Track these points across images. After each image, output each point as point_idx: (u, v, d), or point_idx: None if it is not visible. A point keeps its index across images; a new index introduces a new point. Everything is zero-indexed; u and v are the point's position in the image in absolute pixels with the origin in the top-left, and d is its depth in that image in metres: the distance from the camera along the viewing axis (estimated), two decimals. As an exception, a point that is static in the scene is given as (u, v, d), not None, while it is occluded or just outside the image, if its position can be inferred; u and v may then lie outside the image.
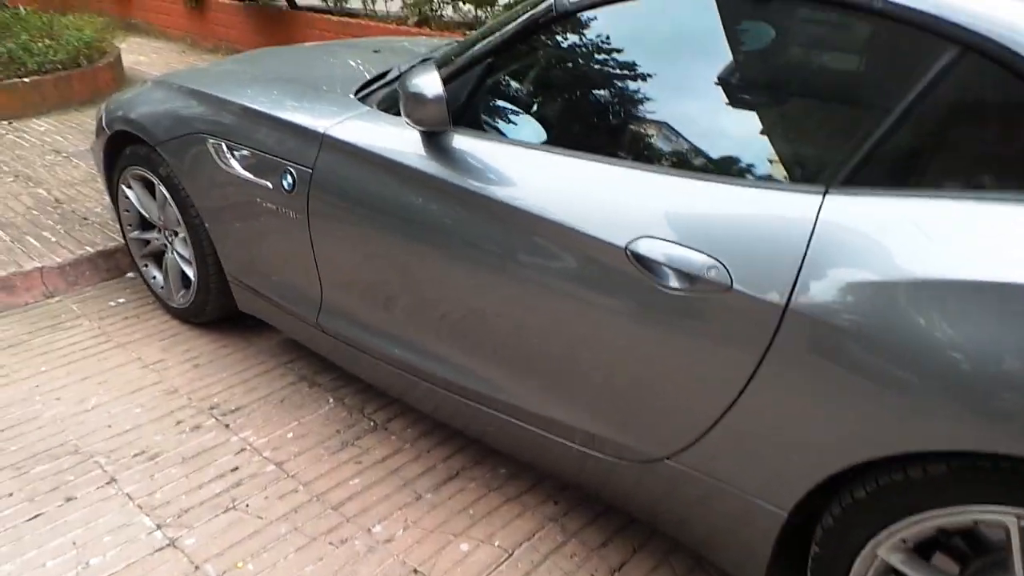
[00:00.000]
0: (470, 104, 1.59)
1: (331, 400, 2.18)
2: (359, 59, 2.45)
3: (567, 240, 1.37)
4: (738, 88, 1.33)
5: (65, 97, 4.79)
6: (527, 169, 1.46)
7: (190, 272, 2.38)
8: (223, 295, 2.33)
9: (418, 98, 1.45)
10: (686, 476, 1.36)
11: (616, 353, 1.37)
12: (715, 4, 1.34)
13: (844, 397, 1.11)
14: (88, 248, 2.86)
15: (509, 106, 1.58)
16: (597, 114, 1.51)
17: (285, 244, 1.95)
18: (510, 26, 1.54)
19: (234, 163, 1.98)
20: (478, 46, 1.59)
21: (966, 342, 1.01)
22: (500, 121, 1.58)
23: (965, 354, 1.00)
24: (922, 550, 1.16)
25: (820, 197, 1.15)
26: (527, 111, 1.56)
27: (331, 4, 6.37)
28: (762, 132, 1.29)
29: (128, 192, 2.48)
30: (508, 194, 1.44)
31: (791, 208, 1.17)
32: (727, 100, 1.34)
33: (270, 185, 1.89)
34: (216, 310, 2.42)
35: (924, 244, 1.06)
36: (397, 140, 1.63)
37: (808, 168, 1.23)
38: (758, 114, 1.31)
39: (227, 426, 2.04)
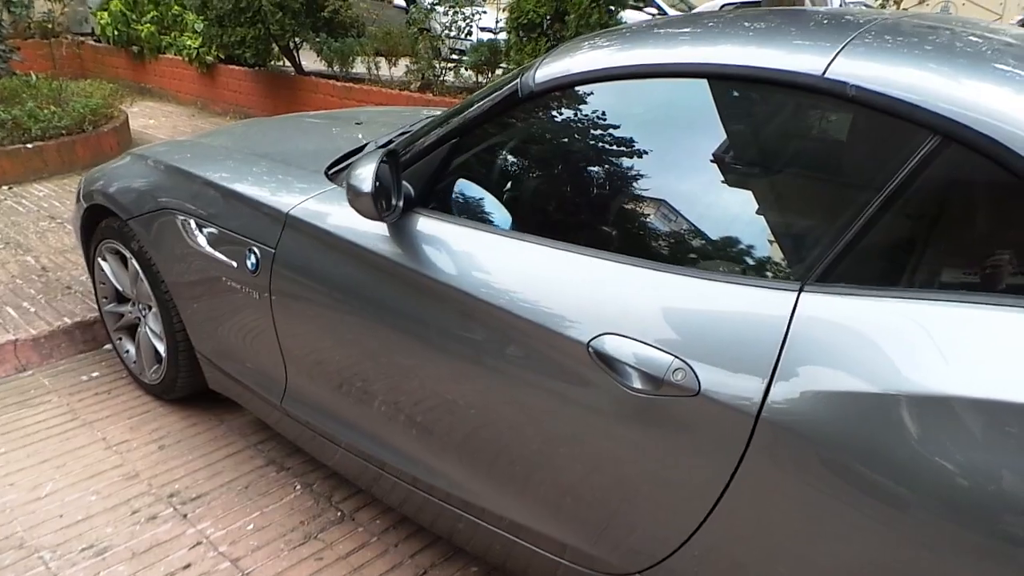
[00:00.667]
0: (434, 186, 1.52)
1: (298, 486, 2.06)
2: (340, 132, 2.42)
3: (529, 334, 1.27)
4: (710, 176, 1.25)
5: (68, 162, 4.83)
6: (490, 255, 1.38)
7: (161, 348, 2.31)
8: (193, 372, 2.25)
9: (354, 190, 1.39)
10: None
11: (581, 458, 1.26)
12: (687, 88, 1.27)
13: (825, 516, 0.99)
14: (66, 319, 2.79)
15: (474, 189, 1.51)
16: (562, 199, 1.43)
17: (249, 325, 1.87)
18: (476, 106, 1.48)
19: (201, 240, 1.92)
20: (444, 126, 1.53)
21: (960, 461, 0.89)
22: (465, 205, 1.51)
23: (960, 474, 0.89)
24: None
25: (795, 294, 1.06)
26: (493, 195, 1.49)
27: (337, 70, 6.48)
28: (735, 223, 1.20)
29: (103, 264, 2.43)
30: (469, 282, 1.36)
31: (764, 305, 1.08)
32: (698, 188, 1.26)
33: (235, 264, 1.83)
34: (186, 387, 2.33)
35: (906, 351, 0.96)
36: (357, 222, 1.56)
37: (783, 262, 1.14)
38: (730, 204, 1.22)
39: (185, 516, 1.93)
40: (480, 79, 5.37)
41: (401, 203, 1.47)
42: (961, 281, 1.00)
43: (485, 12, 5.55)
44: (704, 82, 1.23)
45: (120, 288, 2.41)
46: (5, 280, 3.14)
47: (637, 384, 1.14)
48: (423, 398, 1.50)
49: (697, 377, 1.09)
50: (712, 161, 1.25)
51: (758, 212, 1.21)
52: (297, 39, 6.52)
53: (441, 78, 5.75)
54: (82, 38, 9.30)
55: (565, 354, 1.23)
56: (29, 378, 2.58)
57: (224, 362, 2.06)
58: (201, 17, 6.80)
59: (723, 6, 8.69)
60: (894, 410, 0.94)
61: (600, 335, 1.18)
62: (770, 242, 1.17)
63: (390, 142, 2.02)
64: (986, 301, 0.94)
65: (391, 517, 1.94)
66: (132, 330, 2.49)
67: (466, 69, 5.41)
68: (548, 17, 4.31)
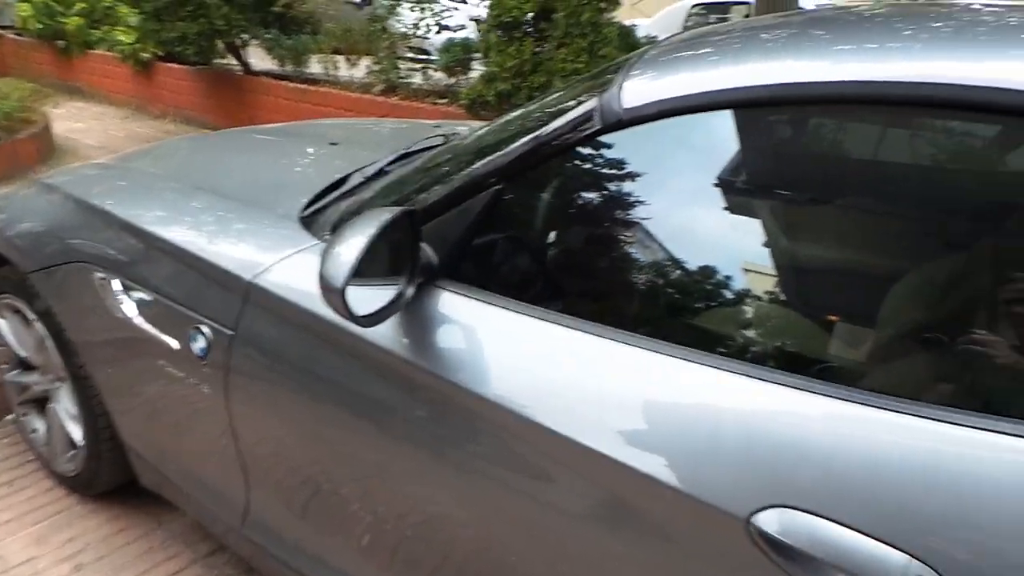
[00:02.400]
0: (459, 250, 1.06)
1: (261, 622, 1.58)
2: (311, 154, 1.93)
3: (635, 492, 0.83)
4: (924, 252, 0.83)
5: (-24, 174, 4.19)
6: (544, 354, 0.94)
7: (77, 433, 1.78)
8: (119, 464, 1.73)
9: (323, 281, 0.91)
10: None
11: None
12: (880, 121, 0.85)
13: None
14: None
15: (515, 255, 1.07)
16: (676, 282, 0.98)
17: (197, 425, 1.39)
18: (531, 137, 1.03)
19: (127, 308, 1.42)
20: (479, 164, 1.07)
21: None
22: (500, 276, 1.06)
23: None
24: None
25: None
26: (542, 268, 1.05)
27: (289, 70, 5.92)
28: (967, 320, 0.78)
29: (1, 323, 1.89)
30: (511, 391, 0.91)
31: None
32: (905, 266, 0.84)
33: (176, 345, 1.33)
34: (111, 480, 1.82)
35: None
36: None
37: None
38: (979, 307, 0.80)
39: None
40: (453, 81, 4.90)
41: (412, 288, 1.01)
42: None
43: (457, 9, 5.07)
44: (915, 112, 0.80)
45: (23, 354, 1.87)
46: None
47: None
48: (441, 537, 1.05)
49: (951, 595, 0.66)
50: (925, 233, 0.82)
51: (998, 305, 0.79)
52: (245, 35, 5.94)
53: (407, 79, 5.26)
54: (1, 31, 8.47)
55: (703, 532, 0.79)
56: (-95, 466, 2.02)
57: (162, 463, 1.57)
58: (136, 10, 6.14)
59: (694, 6, 8.39)
60: None
61: (763, 508, 0.75)
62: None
63: (382, 172, 1.55)
64: None
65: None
66: (42, 403, 1.95)
67: (436, 70, 4.93)
68: (533, 15, 3.87)
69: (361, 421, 1.11)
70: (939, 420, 0.71)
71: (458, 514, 1.03)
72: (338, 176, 1.55)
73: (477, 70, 4.58)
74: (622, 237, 1.00)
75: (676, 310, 0.94)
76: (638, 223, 0.97)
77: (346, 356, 1.10)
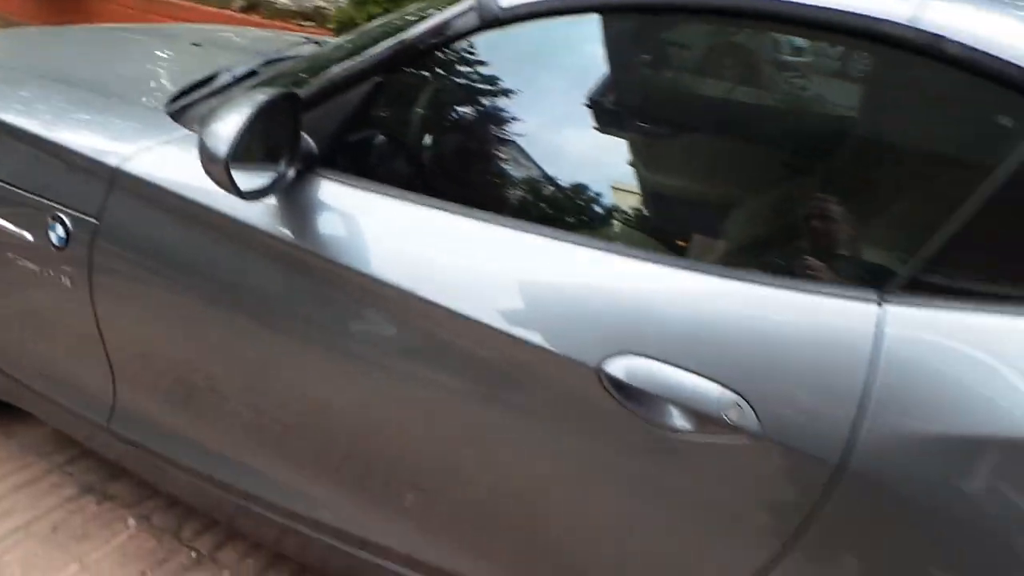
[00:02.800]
0: (343, 140, 1.11)
1: (131, 521, 1.58)
2: (173, 54, 1.85)
3: (503, 352, 0.95)
4: (763, 150, 0.99)
5: None
6: (439, 240, 1.02)
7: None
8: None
9: (205, 150, 0.94)
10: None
11: (563, 515, 0.98)
12: (723, 33, 0.98)
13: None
14: None
15: (403, 147, 1.13)
16: (541, 168, 1.09)
17: (55, 320, 1.35)
18: (403, 35, 1.08)
19: (-30, 198, 1.33)
20: (351, 62, 1.11)
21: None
22: (390, 168, 1.12)
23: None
24: None
25: (877, 306, 0.83)
26: (434, 156, 1.12)
27: (136, -24, 5.40)
28: (789, 209, 0.95)
29: None
30: (408, 278, 0.99)
31: (839, 322, 0.84)
32: (746, 162, 0.99)
33: (29, 237, 1.28)
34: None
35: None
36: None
37: (859, 265, 0.91)
38: (786, 185, 0.97)
39: (-37, 583, 1.39)
40: (322, 2, 4.70)
41: (292, 171, 1.05)
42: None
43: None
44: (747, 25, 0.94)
45: None
46: None
47: (671, 421, 0.87)
48: (323, 418, 1.13)
49: (756, 414, 0.83)
50: (764, 128, 0.98)
51: (826, 199, 0.96)
52: (81, -67, 5.32)
53: (271, -1, 4.97)
54: None
55: (561, 378, 0.92)
56: None
57: (12, 367, 1.50)
58: None
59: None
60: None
61: (612, 355, 0.89)
62: (846, 241, 0.93)
63: (252, 73, 1.53)
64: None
65: (262, 556, 1.54)
66: None
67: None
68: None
69: (238, 309, 1.15)
70: (751, 282, 0.87)
71: (343, 396, 1.10)
72: (206, 74, 1.51)
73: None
74: (491, 129, 1.09)
75: (538, 194, 1.05)
76: (507, 116, 1.07)
77: (222, 242, 1.12)
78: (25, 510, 1.57)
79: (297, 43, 1.98)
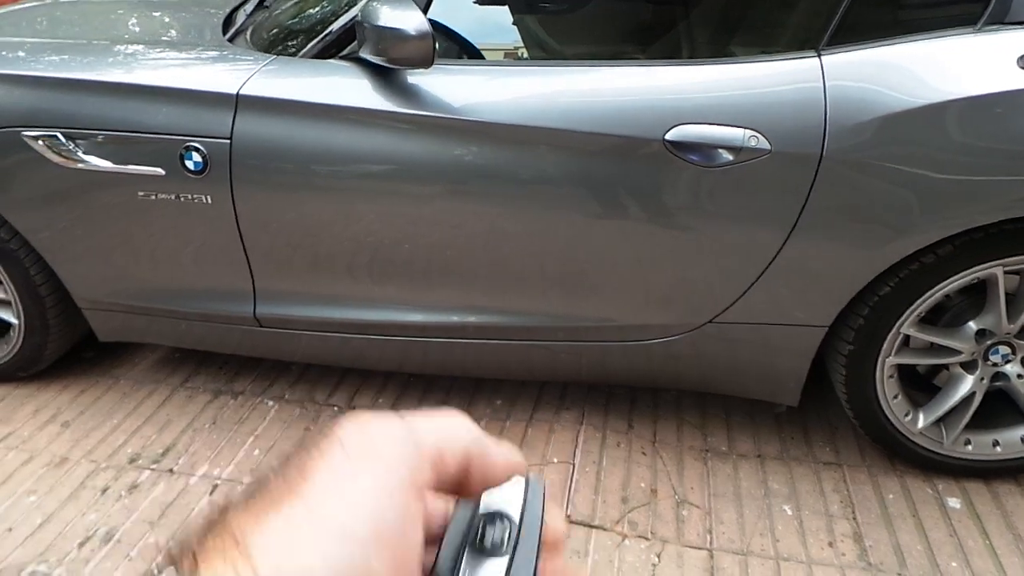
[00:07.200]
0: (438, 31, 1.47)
1: (270, 402, 1.92)
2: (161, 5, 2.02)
3: (597, 145, 1.40)
4: None
5: None
6: (526, 87, 1.44)
7: (8, 316, 1.83)
8: (67, 330, 1.86)
9: (398, 34, 1.31)
10: (729, 329, 1.54)
11: (662, 241, 1.47)
12: None
13: (879, 211, 1.36)
14: None
15: (481, 28, 1.50)
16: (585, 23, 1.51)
17: (193, 238, 1.62)
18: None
19: (88, 156, 1.55)
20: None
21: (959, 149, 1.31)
22: (473, 45, 1.50)
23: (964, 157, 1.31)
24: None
25: (817, 58, 1.35)
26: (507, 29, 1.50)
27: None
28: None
29: None
30: (517, 114, 1.40)
31: (799, 70, 1.36)
32: None
33: (162, 171, 1.53)
34: (58, 351, 1.92)
35: (907, 79, 1.33)
36: (351, 86, 1.46)
37: (797, 37, 1.43)
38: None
39: (171, 471, 1.69)
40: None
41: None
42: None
43: None
44: None
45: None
46: None
47: (717, 159, 1.36)
48: (465, 242, 1.53)
49: (767, 139, 1.35)
50: None
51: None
52: None
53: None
54: None
55: (641, 151, 1.39)
56: None
57: (140, 298, 1.74)
58: None
59: None
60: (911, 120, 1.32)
61: (671, 127, 1.36)
62: (783, 24, 1.44)
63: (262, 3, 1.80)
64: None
65: (393, 391, 1.94)
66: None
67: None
68: None
69: (370, 175, 1.50)
70: (738, 63, 1.37)
71: (469, 224, 1.50)
72: (229, 9, 1.77)
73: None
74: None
75: (576, 37, 1.48)
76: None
77: (353, 126, 1.46)
78: (179, 419, 1.85)
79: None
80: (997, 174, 1.32)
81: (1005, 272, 1.41)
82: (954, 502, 1.61)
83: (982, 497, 1.62)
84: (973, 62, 1.33)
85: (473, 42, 1.63)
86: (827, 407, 1.86)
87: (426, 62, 1.35)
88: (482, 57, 1.64)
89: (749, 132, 1.35)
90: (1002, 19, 1.37)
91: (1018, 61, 1.32)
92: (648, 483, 1.65)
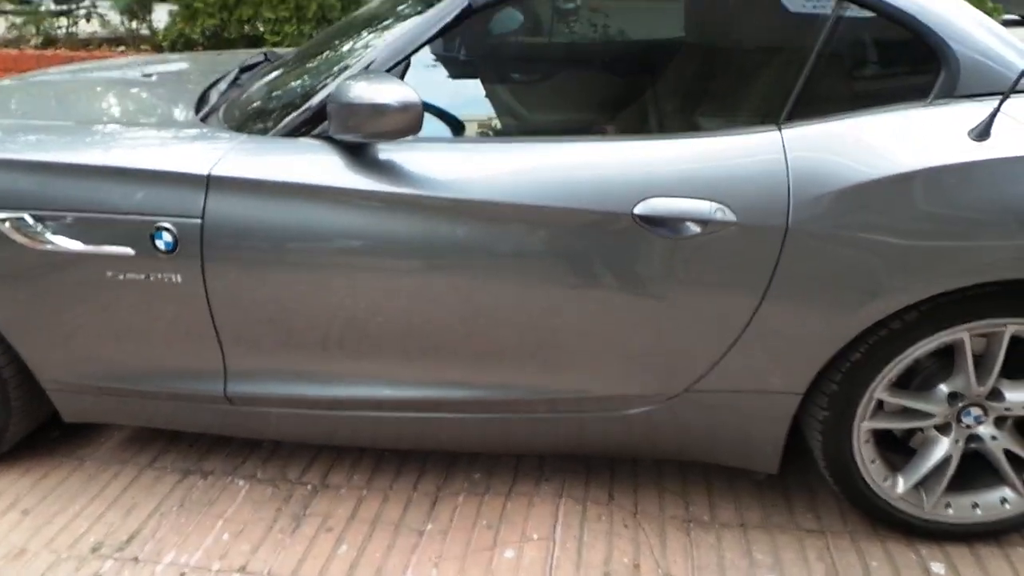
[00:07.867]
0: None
1: (241, 482, 1.86)
2: (140, 82, 2.04)
3: (569, 220, 1.41)
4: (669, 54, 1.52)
5: None
6: (497, 162, 1.46)
7: (-32, 399, 1.78)
8: (31, 412, 1.80)
9: (387, 108, 1.33)
10: (706, 397, 1.54)
11: (637, 311, 1.48)
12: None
13: (845, 279, 1.38)
14: None
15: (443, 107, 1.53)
16: (554, 98, 1.55)
17: (163, 317, 1.59)
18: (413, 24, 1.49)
19: (55, 237, 1.53)
20: (386, 49, 1.49)
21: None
22: (439, 123, 1.53)
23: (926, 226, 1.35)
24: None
25: (778, 131, 1.40)
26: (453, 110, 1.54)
27: None
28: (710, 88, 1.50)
29: None
30: (489, 190, 1.42)
31: (762, 144, 1.40)
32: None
33: (132, 251, 1.52)
34: (20, 433, 1.86)
35: (865, 150, 1.38)
36: (320, 164, 1.47)
37: (758, 112, 1.48)
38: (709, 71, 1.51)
39: (136, 559, 1.62)
40: (134, 25, 4.61)
41: None
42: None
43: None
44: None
45: None
46: None
47: (684, 231, 1.39)
48: (436, 317, 1.53)
49: (733, 212, 1.38)
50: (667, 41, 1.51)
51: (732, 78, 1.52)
52: None
53: (68, 29, 4.78)
54: None
55: (610, 226, 1.40)
56: None
57: (107, 378, 1.70)
58: None
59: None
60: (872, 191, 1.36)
61: (640, 201, 1.39)
62: (746, 99, 1.50)
63: (235, 82, 1.83)
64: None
65: (367, 466, 1.90)
66: None
67: (120, 14, 4.58)
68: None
69: (340, 252, 1.50)
70: (704, 137, 1.41)
71: (437, 303, 1.50)
72: (201, 88, 1.79)
73: (161, 10, 4.42)
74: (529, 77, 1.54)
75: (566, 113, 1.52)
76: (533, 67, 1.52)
77: (321, 204, 1.47)
78: (145, 503, 1.78)
79: (226, 60, 2.24)
80: (956, 240, 1.35)
81: (972, 336, 1.44)
82: (938, 567, 1.59)
83: (965, 560, 1.61)
84: (927, 134, 1.38)
85: (450, 112, 1.66)
86: (807, 472, 1.85)
87: (414, 129, 1.37)
88: (456, 127, 1.67)
89: (716, 205, 1.38)
90: (951, 93, 1.43)
91: (969, 133, 1.37)
92: (631, 557, 1.61)
